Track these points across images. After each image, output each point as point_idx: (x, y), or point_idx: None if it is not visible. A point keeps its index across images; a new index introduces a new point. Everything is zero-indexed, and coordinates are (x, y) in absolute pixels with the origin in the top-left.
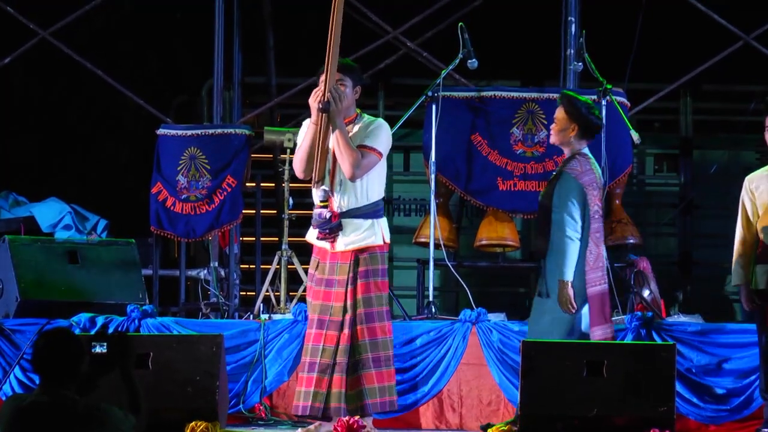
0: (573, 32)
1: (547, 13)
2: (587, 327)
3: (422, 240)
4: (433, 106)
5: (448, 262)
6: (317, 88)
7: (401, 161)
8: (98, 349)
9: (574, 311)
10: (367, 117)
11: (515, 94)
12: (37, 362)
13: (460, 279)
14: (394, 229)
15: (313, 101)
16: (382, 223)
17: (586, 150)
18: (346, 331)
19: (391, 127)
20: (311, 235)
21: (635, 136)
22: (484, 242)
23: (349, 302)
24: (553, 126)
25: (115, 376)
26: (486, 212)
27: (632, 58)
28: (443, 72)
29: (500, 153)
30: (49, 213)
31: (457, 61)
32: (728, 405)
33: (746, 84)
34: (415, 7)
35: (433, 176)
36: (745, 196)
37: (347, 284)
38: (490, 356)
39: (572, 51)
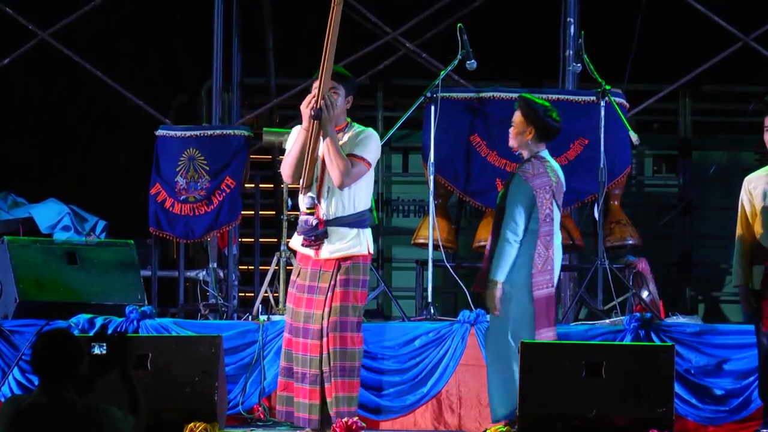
0: (572, 33)
1: (546, 14)
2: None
3: (421, 241)
4: (432, 107)
5: (446, 263)
6: (310, 95)
7: (400, 162)
8: (97, 350)
9: (497, 313)
10: (357, 126)
11: (514, 95)
12: (36, 363)
13: (458, 280)
14: (392, 230)
15: (305, 107)
16: (367, 233)
17: (544, 153)
18: (325, 339)
19: (390, 128)
20: (296, 242)
21: (634, 137)
22: (483, 243)
23: (326, 309)
24: (511, 129)
25: (115, 377)
26: (485, 213)
27: (631, 59)
28: (442, 73)
29: (499, 154)
30: (48, 214)
31: (456, 62)
32: (727, 406)
33: (745, 85)
34: (415, 8)
35: (431, 177)
36: (744, 196)
37: (327, 292)
38: None
39: (571, 52)
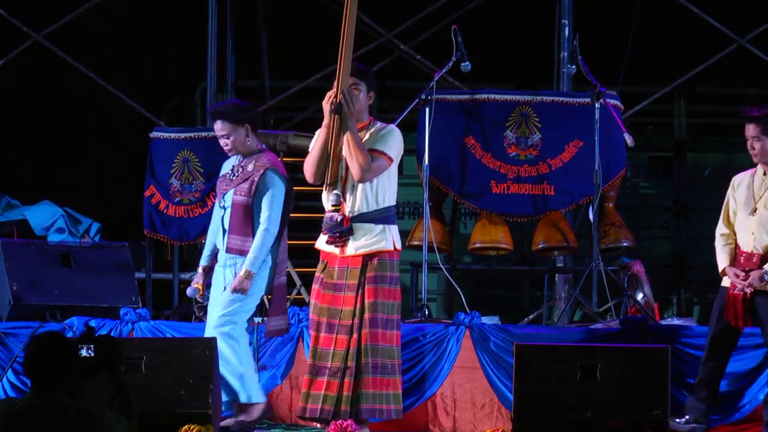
0: (567, 35)
1: (540, 15)
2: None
3: (415, 243)
4: (427, 109)
5: (441, 265)
6: (331, 90)
7: None
8: (85, 353)
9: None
10: (379, 123)
11: (508, 97)
12: (29, 366)
13: (453, 282)
14: None
15: (326, 103)
16: (394, 229)
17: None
18: (355, 335)
19: None
20: (320, 241)
21: (629, 139)
22: (477, 245)
23: (357, 306)
24: (228, 141)
25: (104, 380)
26: (480, 215)
27: (626, 60)
28: (436, 75)
29: (494, 156)
30: (42, 216)
31: (451, 63)
32: (721, 408)
33: (740, 87)
34: (409, 10)
35: (426, 179)
36: (729, 193)
37: (357, 289)
38: (483, 359)
39: (566, 54)
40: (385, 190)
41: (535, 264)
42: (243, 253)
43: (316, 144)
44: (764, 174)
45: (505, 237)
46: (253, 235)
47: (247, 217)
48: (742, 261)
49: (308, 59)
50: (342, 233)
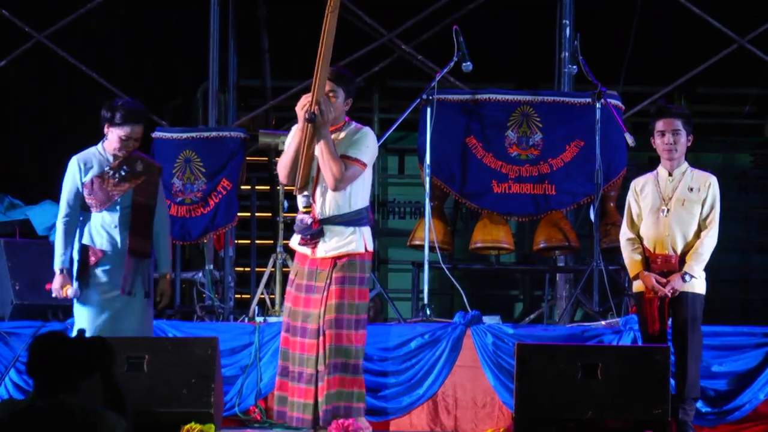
0: (568, 35)
1: (542, 16)
2: None
3: (417, 243)
4: (428, 109)
5: (443, 265)
6: (305, 95)
7: (396, 164)
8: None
9: None
10: (354, 125)
11: (510, 97)
12: (33, 366)
13: (455, 281)
14: (388, 232)
15: (300, 109)
16: (365, 231)
17: None
18: (321, 338)
19: (386, 130)
20: (294, 241)
21: (630, 138)
22: (478, 245)
23: (322, 308)
24: (136, 145)
25: (99, 380)
26: (481, 215)
27: (627, 60)
28: (438, 75)
29: (495, 156)
30: (45, 216)
31: (452, 63)
32: (721, 408)
33: (741, 87)
34: (410, 10)
35: (427, 179)
36: (631, 198)
37: (324, 291)
38: (484, 359)
39: (567, 54)
40: (357, 193)
41: (536, 263)
42: (146, 255)
43: (290, 147)
44: (669, 175)
45: (506, 237)
46: (151, 237)
47: (149, 219)
48: (659, 263)
49: (310, 59)
50: (312, 235)
